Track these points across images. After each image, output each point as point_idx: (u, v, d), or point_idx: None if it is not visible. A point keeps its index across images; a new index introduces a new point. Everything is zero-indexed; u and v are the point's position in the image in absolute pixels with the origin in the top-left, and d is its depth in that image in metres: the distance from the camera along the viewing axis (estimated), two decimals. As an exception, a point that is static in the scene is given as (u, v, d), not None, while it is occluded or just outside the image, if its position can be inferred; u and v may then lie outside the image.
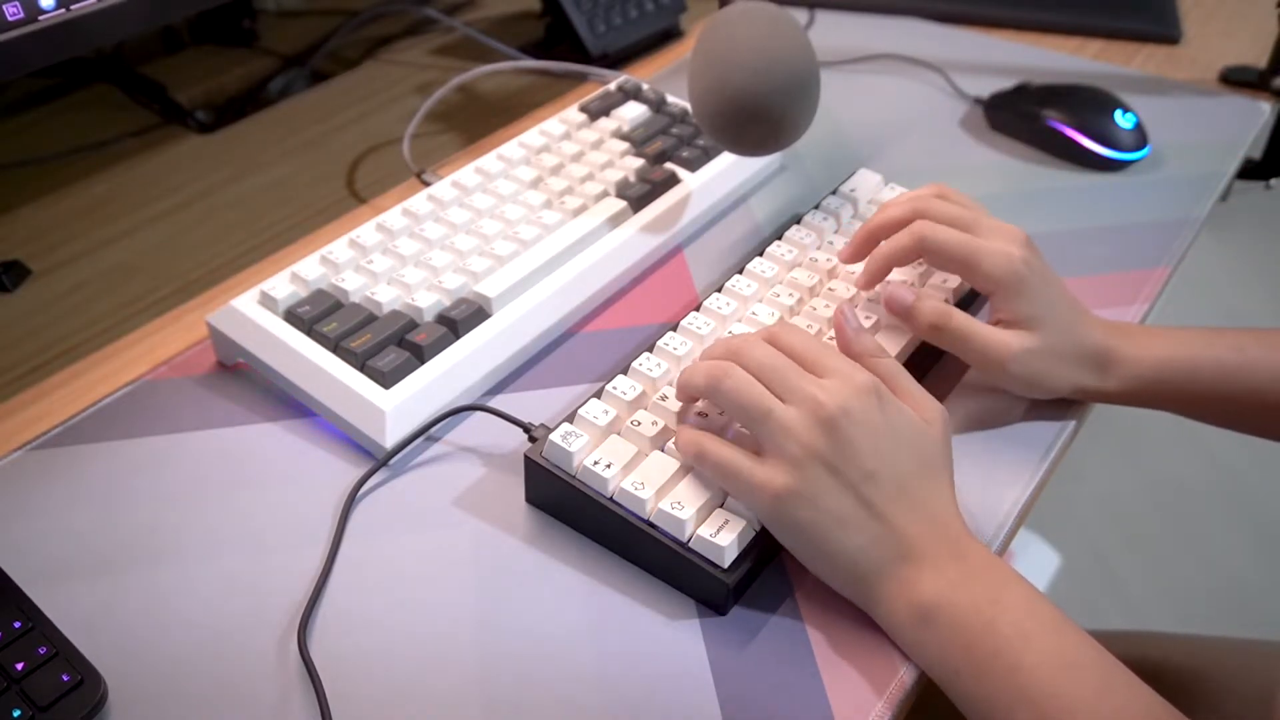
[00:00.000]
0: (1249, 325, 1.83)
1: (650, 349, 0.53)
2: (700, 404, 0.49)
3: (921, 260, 0.55)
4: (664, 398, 0.50)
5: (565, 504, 0.48)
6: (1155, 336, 0.53)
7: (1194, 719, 0.39)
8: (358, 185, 0.72)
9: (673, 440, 0.48)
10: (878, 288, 0.56)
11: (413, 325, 0.55)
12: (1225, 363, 0.52)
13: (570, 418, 0.49)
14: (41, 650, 0.42)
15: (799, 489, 0.42)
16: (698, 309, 0.56)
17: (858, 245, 0.57)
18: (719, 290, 0.57)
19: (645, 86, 0.74)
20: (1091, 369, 0.52)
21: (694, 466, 0.46)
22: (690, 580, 0.45)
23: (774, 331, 0.47)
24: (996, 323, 0.52)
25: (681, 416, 0.49)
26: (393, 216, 0.61)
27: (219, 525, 0.48)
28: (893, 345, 0.54)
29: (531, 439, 0.50)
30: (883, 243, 0.54)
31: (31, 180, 0.72)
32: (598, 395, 0.50)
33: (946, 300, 0.56)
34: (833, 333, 0.50)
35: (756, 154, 0.61)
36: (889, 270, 0.55)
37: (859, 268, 0.57)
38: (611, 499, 0.46)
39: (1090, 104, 0.75)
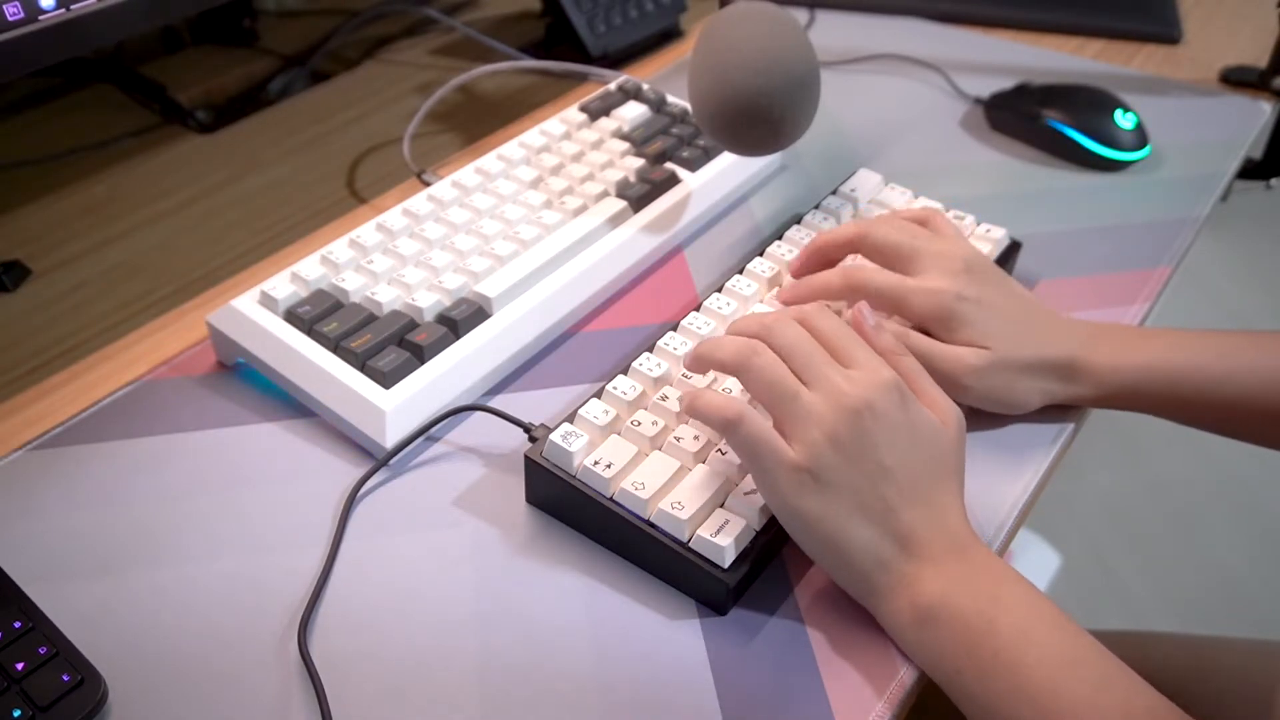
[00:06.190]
0: (1248, 325, 1.83)
1: (650, 349, 0.53)
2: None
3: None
4: (664, 398, 0.50)
5: (565, 504, 0.48)
6: (1139, 340, 0.53)
7: (1194, 719, 0.39)
8: (358, 185, 0.72)
9: (683, 401, 0.46)
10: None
11: (413, 325, 0.55)
12: (1210, 370, 0.51)
13: (570, 418, 0.49)
14: (41, 650, 0.42)
15: (818, 473, 0.42)
16: (698, 309, 0.56)
17: (805, 259, 0.57)
18: (719, 290, 0.57)
19: (645, 86, 0.74)
20: (1057, 379, 0.52)
21: (720, 431, 0.44)
22: (690, 580, 0.45)
23: (806, 312, 0.47)
24: None
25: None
26: (393, 216, 0.61)
27: (219, 525, 0.48)
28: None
29: (531, 439, 0.50)
30: (816, 275, 0.54)
31: (31, 180, 0.72)
32: (598, 395, 0.50)
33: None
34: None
35: (756, 154, 0.61)
36: (814, 300, 0.54)
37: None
38: (611, 499, 0.46)
39: (1090, 104, 0.75)
